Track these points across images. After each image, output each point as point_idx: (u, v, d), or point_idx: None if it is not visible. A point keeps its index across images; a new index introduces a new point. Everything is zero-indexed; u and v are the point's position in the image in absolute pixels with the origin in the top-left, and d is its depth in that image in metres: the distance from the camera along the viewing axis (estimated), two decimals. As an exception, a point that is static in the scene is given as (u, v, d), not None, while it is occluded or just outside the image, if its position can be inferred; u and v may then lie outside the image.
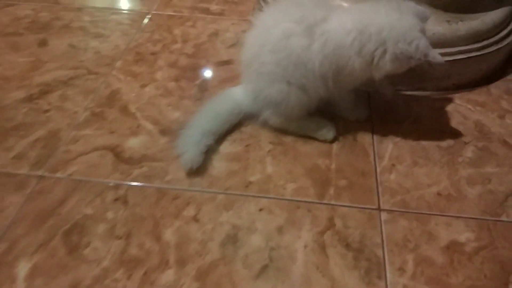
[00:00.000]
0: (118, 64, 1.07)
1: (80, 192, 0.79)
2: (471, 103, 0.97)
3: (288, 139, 0.88)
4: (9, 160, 0.83)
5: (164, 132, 0.89)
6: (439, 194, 0.79)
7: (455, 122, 0.93)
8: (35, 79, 1.02)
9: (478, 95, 1.00)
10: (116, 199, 0.78)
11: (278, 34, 0.79)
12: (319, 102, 0.84)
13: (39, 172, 0.81)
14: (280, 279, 0.66)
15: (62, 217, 0.74)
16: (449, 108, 0.96)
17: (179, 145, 0.82)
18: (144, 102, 0.97)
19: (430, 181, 0.81)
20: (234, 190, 0.79)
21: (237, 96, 0.89)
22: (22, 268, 0.67)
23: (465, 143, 0.88)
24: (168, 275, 0.66)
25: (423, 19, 0.77)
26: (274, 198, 0.78)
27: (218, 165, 0.83)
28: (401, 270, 0.67)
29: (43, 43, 1.14)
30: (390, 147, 0.87)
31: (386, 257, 0.69)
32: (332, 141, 0.87)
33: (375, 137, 0.89)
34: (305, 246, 0.70)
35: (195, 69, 1.06)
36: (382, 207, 0.77)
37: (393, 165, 0.84)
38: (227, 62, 1.07)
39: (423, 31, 0.75)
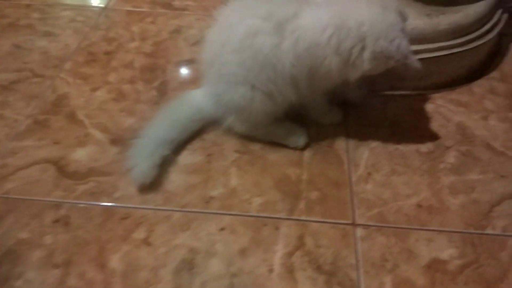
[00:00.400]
0: (67, 65, 0.96)
1: (15, 213, 0.69)
2: (452, 104, 0.90)
3: (256, 147, 0.80)
4: None
5: (115, 141, 0.80)
6: (419, 205, 0.71)
7: (436, 124, 0.85)
8: (-30, 84, 0.91)
9: (460, 94, 0.93)
10: (56, 221, 0.68)
11: (242, 31, 0.70)
12: (288, 107, 0.76)
13: (-34, 192, 0.71)
14: (241, 312, 0.58)
15: (-10, 245, 0.64)
16: (429, 109, 0.89)
17: (130, 156, 0.73)
18: (94, 107, 0.87)
19: (409, 191, 0.73)
20: (193, 207, 0.70)
21: (198, 100, 0.80)
22: None
23: (447, 148, 0.81)
24: (111, 312, 0.57)
25: (403, 19, 0.71)
26: (238, 215, 0.69)
27: (175, 178, 0.74)
28: (379, 295, 0.60)
29: (-17, 43, 1.03)
30: (366, 154, 0.79)
31: (362, 279, 0.61)
32: (303, 148, 0.79)
33: (350, 142, 0.81)
34: (271, 271, 0.62)
35: (154, 70, 0.96)
36: (357, 221, 0.69)
37: (369, 173, 0.76)
38: (189, 62, 0.98)
39: (404, 31, 0.69)
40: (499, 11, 1.02)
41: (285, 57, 0.70)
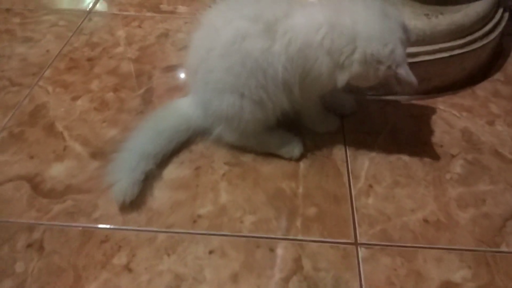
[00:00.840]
0: (47, 73, 0.91)
1: (-16, 237, 0.63)
2: (456, 108, 0.85)
3: (247, 158, 0.74)
4: None
5: (95, 155, 0.74)
6: (425, 220, 0.66)
7: (439, 131, 0.80)
8: None
9: (463, 98, 0.88)
10: (29, 245, 0.62)
11: (229, 35, 0.65)
12: (281, 115, 0.70)
13: None
14: None
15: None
16: (431, 114, 0.83)
17: (111, 172, 0.67)
18: (75, 118, 0.81)
19: (414, 205, 0.68)
20: (179, 227, 0.64)
21: (185, 108, 0.74)
22: None
23: (453, 156, 0.76)
24: None
25: (405, 32, 0.65)
26: (228, 235, 0.63)
27: (160, 195, 0.68)
28: (385, 324, 0.55)
29: (-43, 51, 0.96)
30: (366, 164, 0.74)
31: (366, 306, 0.56)
32: (299, 159, 0.73)
33: (348, 152, 0.76)
34: (266, 298, 0.57)
35: (139, 77, 0.90)
36: (359, 240, 0.63)
37: (371, 186, 0.71)
38: (177, 67, 0.92)
39: (403, 42, 0.64)
40: (501, 10, 0.97)
41: (276, 60, 0.64)
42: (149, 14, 1.09)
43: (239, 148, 0.74)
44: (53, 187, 0.69)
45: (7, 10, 1.10)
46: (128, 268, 0.59)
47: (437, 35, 0.84)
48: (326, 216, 0.66)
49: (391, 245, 0.63)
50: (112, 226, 0.64)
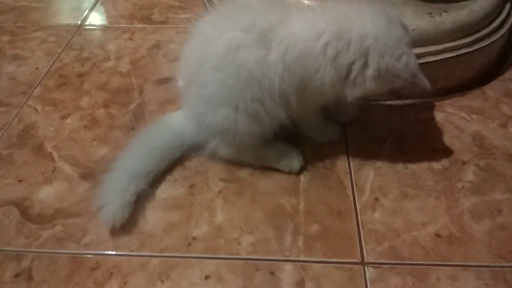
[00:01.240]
0: (36, 91, 0.88)
1: (-31, 268, 0.60)
2: (465, 111, 0.80)
3: (244, 174, 0.70)
4: None
5: (85, 176, 0.70)
6: (437, 235, 0.61)
7: (448, 136, 0.75)
8: None
9: (472, 100, 0.83)
10: (17, 275, 0.58)
11: (221, 46, 0.61)
12: (278, 127, 0.66)
13: None
14: None
15: None
16: (439, 118, 0.79)
17: (100, 194, 0.63)
18: (64, 137, 0.77)
19: (425, 218, 0.63)
20: (173, 251, 0.60)
21: (177, 123, 0.71)
22: None
23: (464, 163, 0.71)
24: None
25: (406, 31, 0.63)
26: (225, 258, 0.59)
27: (152, 216, 0.64)
28: None
29: None
30: (371, 175, 0.69)
31: (376, 333, 0.52)
32: (299, 172, 0.69)
33: (352, 162, 0.71)
34: (267, 327, 0.53)
35: (130, 91, 0.87)
36: (366, 259, 0.59)
37: (377, 199, 0.66)
38: (169, 79, 0.88)
39: (410, 45, 0.61)
40: (508, 5, 0.92)
41: (272, 70, 0.60)
42: (140, 25, 1.06)
43: (235, 163, 0.70)
44: (42, 212, 0.66)
45: (-3, 27, 1.09)
46: (119, 298, 0.56)
47: (441, 35, 0.79)
48: (330, 234, 0.62)
49: (401, 264, 0.58)
50: (102, 252, 0.60)
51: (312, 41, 0.60)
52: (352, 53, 0.59)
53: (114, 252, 0.60)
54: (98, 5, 1.16)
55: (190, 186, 0.68)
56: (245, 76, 0.61)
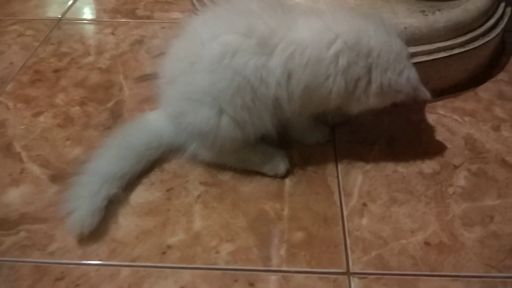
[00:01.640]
0: (9, 87, 0.83)
1: None
2: (457, 113, 0.77)
3: (226, 177, 0.66)
4: None
5: (55, 178, 0.66)
6: (427, 243, 0.58)
7: (439, 139, 0.72)
8: None
9: (464, 101, 0.80)
10: (-24, 286, 0.55)
11: (217, 49, 0.58)
12: (264, 133, 0.63)
13: None
14: None
15: None
16: (431, 120, 0.76)
17: (69, 198, 0.59)
18: (35, 136, 0.73)
19: (414, 225, 0.60)
20: (145, 260, 0.56)
21: (155, 123, 0.67)
22: None
23: (455, 167, 0.68)
24: None
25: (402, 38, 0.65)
26: (202, 268, 0.55)
27: (125, 222, 0.60)
28: None
29: None
30: (360, 179, 0.66)
31: None
32: (284, 176, 0.66)
33: (339, 166, 0.68)
34: None
35: (108, 88, 0.82)
36: (352, 269, 0.55)
37: (364, 204, 0.63)
38: (151, 77, 0.83)
39: (409, 58, 0.63)
40: (502, 5, 0.90)
41: (271, 76, 0.58)
42: (123, 20, 1.02)
43: (216, 166, 0.66)
44: (6, 217, 0.61)
45: (-28, 21, 1.04)
46: (85, 312, 0.52)
47: (435, 34, 0.77)
48: (315, 242, 0.58)
49: (388, 274, 0.54)
50: (69, 261, 0.56)
51: (322, 49, 0.58)
52: (360, 68, 0.59)
53: (81, 261, 0.56)
54: (80, -2, 1.13)
55: (168, 190, 0.64)
56: (239, 82, 0.58)
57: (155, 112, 0.69)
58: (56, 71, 0.87)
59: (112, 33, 0.98)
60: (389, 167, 0.68)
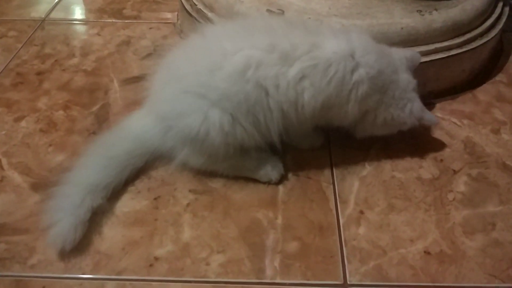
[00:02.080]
0: (-11, 90, 0.80)
1: None
2: (455, 115, 0.75)
3: (217, 184, 0.63)
4: None
5: (37, 186, 0.62)
6: (427, 252, 0.55)
7: (438, 143, 0.70)
8: None
9: (463, 103, 0.78)
10: (-50, 303, 0.51)
11: (239, 62, 0.57)
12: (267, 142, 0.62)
13: None
14: None
15: None
16: (429, 124, 0.74)
17: (50, 210, 0.55)
18: (16, 142, 0.69)
19: (413, 234, 0.57)
20: (132, 273, 0.53)
21: (139, 128, 0.63)
22: None
23: (455, 172, 0.66)
24: None
25: (412, 66, 0.67)
26: (191, 281, 0.52)
27: (110, 233, 0.57)
28: None
29: None
30: (356, 185, 0.64)
31: None
32: (278, 182, 0.63)
33: (335, 171, 0.65)
34: None
35: (94, 91, 0.79)
36: (349, 280, 0.53)
37: (361, 212, 0.60)
38: (138, 79, 0.81)
39: (415, 89, 0.65)
40: (500, 4, 0.88)
41: (284, 79, 0.57)
42: (109, 20, 0.99)
43: (207, 172, 0.63)
44: (-16, 228, 0.58)
45: (-47, 21, 1.00)
46: (65, 331, 0.49)
47: (432, 34, 0.75)
48: (310, 252, 0.55)
49: (387, 285, 0.52)
50: (51, 275, 0.53)
51: (347, 73, 0.59)
52: (372, 101, 0.61)
53: (64, 275, 0.53)
54: (65, -2, 1.09)
55: (155, 199, 0.61)
56: (256, 96, 0.57)
57: (139, 116, 0.65)
58: (39, 73, 0.83)
59: (98, 34, 0.94)
60: (386, 173, 0.66)
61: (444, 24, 0.75)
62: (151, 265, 0.54)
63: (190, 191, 0.62)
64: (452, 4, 0.78)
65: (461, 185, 0.64)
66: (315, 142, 0.69)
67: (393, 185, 0.64)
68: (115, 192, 0.60)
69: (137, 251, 0.55)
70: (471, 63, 0.81)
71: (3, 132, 0.71)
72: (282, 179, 0.64)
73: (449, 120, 0.74)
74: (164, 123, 0.61)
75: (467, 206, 0.61)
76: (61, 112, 0.75)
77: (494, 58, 0.88)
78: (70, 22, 1.00)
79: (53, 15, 1.02)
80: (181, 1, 0.89)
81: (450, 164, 0.67)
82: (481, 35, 0.79)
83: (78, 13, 1.03)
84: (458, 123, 0.74)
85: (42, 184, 0.63)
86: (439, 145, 0.70)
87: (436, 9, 0.76)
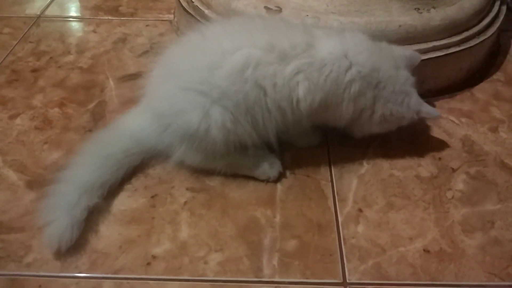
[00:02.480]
0: (-16, 88, 0.79)
1: None
2: (454, 114, 0.75)
3: (215, 182, 0.63)
4: None
5: (32, 184, 0.62)
6: (426, 251, 0.55)
7: (436, 141, 0.70)
8: None
9: (461, 102, 0.78)
10: None
11: (238, 61, 0.57)
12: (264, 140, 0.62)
13: None
14: None
15: None
16: (427, 122, 0.73)
17: (46, 209, 0.55)
18: (11, 140, 0.68)
19: (412, 232, 0.57)
20: (129, 272, 0.52)
21: (134, 126, 0.63)
22: None
23: (453, 170, 0.66)
24: None
25: (411, 66, 0.66)
26: (189, 280, 0.52)
27: (107, 232, 0.56)
28: None
29: None
30: (354, 184, 0.63)
31: None
32: (276, 180, 0.63)
33: (333, 169, 0.65)
34: None
35: (90, 89, 0.78)
36: (348, 279, 0.52)
37: (360, 210, 0.60)
38: (134, 76, 0.80)
39: (414, 85, 0.65)
40: (498, 3, 0.88)
41: (282, 77, 0.57)
42: (105, 17, 0.98)
43: (204, 170, 0.63)
44: (-22, 227, 0.58)
45: None
46: (61, 331, 0.48)
47: (430, 32, 0.75)
48: (309, 251, 0.55)
49: (387, 284, 0.52)
50: (47, 273, 0.52)
51: (341, 73, 0.59)
52: (367, 99, 0.61)
53: (60, 274, 0.52)
54: (61, -6, 1.08)
55: (152, 197, 0.60)
56: (255, 95, 0.57)
57: (135, 114, 0.65)
58: (34, 70, 0.82)
59: (94, 31, 0.94)
60: (385, 171, 0.65)
61: (442, 22, 0.75)
62: (148, 264, 0.53)
63: (187, 189, 0.62)
64: (450, 2, 0.78)
65: (459, 183, 0.64)
66: (313, 141, 0.69)
67: (391, 183, 0.64)
68: (112, 190, 0.60)
69: (134, 250, 0.54)
70: (468, 62, 0.80)
71: (-2, 130, 0.71)
72: (280, 177, 0.63)
73: (447, 119, 0.74)
74: (162, 121, 0.61)
75: (466, 204, 0.61)
76: (56, 109, 0.74)
77: (492, 56, 0.89)
78: (65, 19, 0.99)
79: (49, 12, 1.01)
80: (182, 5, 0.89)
81: (449, 162, 0.67)
82: (478, 33, 0.79)
83: (74, 10, 1.02)
84: (456, 121, 0.74)
85: (38, 182, 0.62)
86: (438, 144, 0.70)
87: (434, 7, 0.76)
